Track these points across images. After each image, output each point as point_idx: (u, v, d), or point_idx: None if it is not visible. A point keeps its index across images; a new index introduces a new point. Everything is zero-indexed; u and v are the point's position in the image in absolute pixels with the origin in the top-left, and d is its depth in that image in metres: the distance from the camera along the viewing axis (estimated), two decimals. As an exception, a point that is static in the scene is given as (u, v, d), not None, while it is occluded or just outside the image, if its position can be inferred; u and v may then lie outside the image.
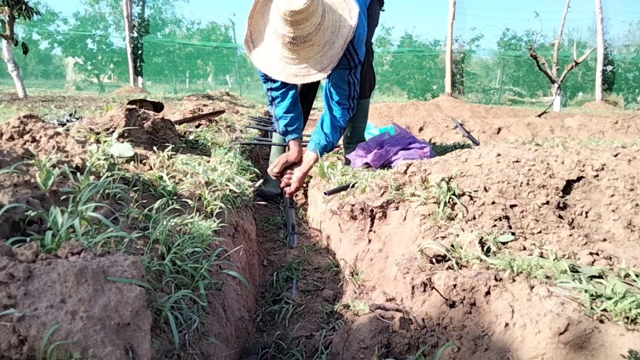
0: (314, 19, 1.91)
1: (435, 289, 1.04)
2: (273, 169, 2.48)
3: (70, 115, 3.38)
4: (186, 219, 1.29)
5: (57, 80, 26.03)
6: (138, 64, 16.38)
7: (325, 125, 2.43)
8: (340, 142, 3.06)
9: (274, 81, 2.37)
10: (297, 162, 2.49)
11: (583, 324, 0.79)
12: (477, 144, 4.12)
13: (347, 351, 1.05)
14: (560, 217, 1.28)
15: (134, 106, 2.33)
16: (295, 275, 1.76)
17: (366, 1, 2.46)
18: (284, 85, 2.41)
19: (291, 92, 2.46)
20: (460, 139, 4.63)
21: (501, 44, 21.98)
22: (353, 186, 1.91)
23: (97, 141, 1.70)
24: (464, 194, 1.38)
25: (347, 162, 2.72)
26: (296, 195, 2.95)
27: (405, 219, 1.48)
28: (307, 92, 2.82)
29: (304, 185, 2.93)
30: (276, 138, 2.97)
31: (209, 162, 2.12)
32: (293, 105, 2.50)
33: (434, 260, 1.15)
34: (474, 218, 1.31)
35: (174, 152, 2.06)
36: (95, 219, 0.96)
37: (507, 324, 0.87)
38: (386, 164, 2.43)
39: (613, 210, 1.26)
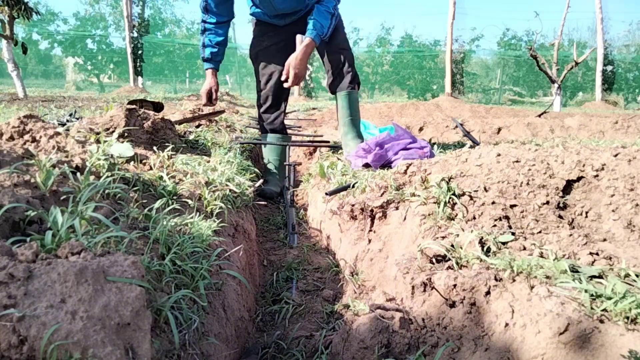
0: None
1: (435, 289, 1.04)
2: (202, 102, 2.77)
3: (70, 115, 3.38)
4: (186, 219, 1.29)
5: (57, 80, 26.02)
6: (138, 64, 16.37)
7: (313, 13, 2.52)
8: (339, 138, 3.07)
9: (212, 16, 2.66)
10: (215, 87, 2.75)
11: (583, 324, 0.79)
12: (477, 143, 4.12)
13: (347, 351, 1.05)
14: (560, 217, 1.28)
15: (134, 106, 2.33)
16: (295, 275, 1.76)
17: None
18: (219, 23, 2.69)
19: (224, 29, 2.74)
20: (460, 139, 4.63)
21: (501, 44, 21.97)
22: (353, 186, 1.91)
23: (97, 141, 1.70)
24: (464, 194, 1.38)
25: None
26: (296, 195, 2.95)
27: (405, 219, 1.48)
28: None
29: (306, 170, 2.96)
30: (271, 138, 2.98)
31: (209, 162, 2.12)
32: (224, 40, 2.76)
33: (434, 260, 1.15)
34: (474, 218, 1.31)
35: (174, 152, 2.06)
36: (95, 219, 0.96)
37: (507, 324, 0.87)
38: (386, 164, 2.42)
39: (613, 210, 1.26)
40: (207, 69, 2.79)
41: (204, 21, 2.69)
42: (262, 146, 3.03)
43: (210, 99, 2.76)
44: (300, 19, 2.71)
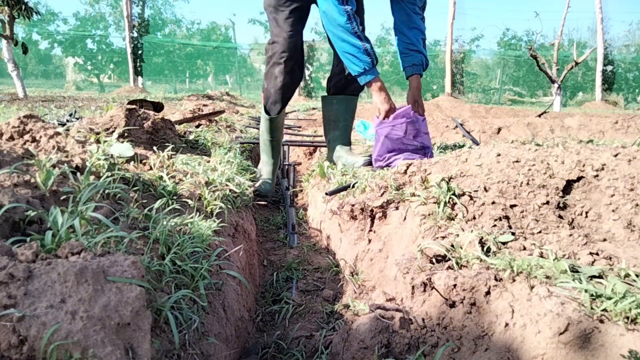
0: None
1: (435, 289, 1.04)
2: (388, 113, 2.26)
3: (70, 115, 3.38)
4: (186, 219, 1.29)
5: (57, 80, 26.02)
6: (138, 64, 16.38)
7: (413, 40, 2.29)
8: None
9: (353, 1, 2.09)
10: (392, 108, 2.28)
11: (583, 324, 0.79)
12: (477, 143, 4.12)
13: (347, 351, 1.05)
14: (560, 217, 1.28)
15: (134, 106, 2.33)
16: (295, 275, 1.76)
17: None
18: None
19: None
20: (460, 139, 4.63)
21: (501, 44, 21.99)
22: (353, 186, 1.91)
23: (97, 141, 1.70)
24: (464, 194, 1.38)
25: (331, 161, 2.61)
26: (296, 195, 2.95)
27: (405, 219, 1.48)
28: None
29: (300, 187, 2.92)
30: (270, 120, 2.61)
31: (209, 162, 2.12)
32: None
33: (434, 260, 1.15)
34: (474, 218, 1.31)
35: (174, 152, 2.06)
36: (95, 219, 0.96)
37: (507, 324, 0.87)
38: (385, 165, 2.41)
39: (613, 210, 1.26)
40: (377, 79, 2.18)
41: (347, 13, 2.05)
42: (262, 121, 2.66)
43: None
44: None
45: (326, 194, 2.02)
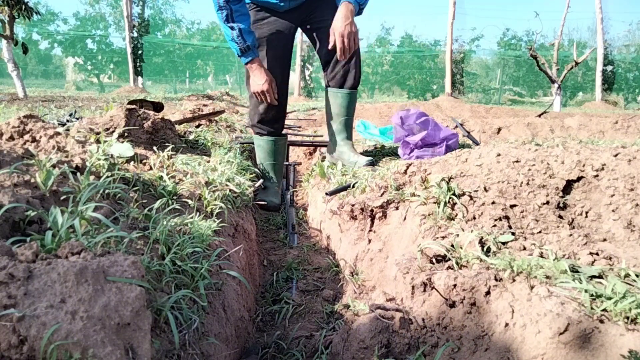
0: None
1: (435, 289, 1.04)
2: (271, 96, 2.36)
3: (70, 115, 3.38)
4: (186, 219, 1.29)
5: (57, 80, 26.03)
6: (138, 64, 16.37)
7: None
8: (327, 137, 2.84)
9: None
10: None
11: (583, 324, 0.79)
12: (477, 143, 4.12)
13: (347, 351, 1.05)
14: (560, 217, 1.28)
15: (134, 106, 2.33)
16: (295, 275, 1.76)
17: None
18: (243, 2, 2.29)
19: (247, 9, 2.34)
20: (461, 138, 4.63)
21: (501, 44, 21.98)
22: (353, 186, 1.90)
23: (97, 141, 1.70)
24: (464, 194, 1.38)
25: (332, 154, 2.62)
26: (297, 196, 2.95)
27: (405, 219, 1.48)
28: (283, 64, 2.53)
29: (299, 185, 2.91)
30: (264, 141, 2.63)
31: (209, 162, 2.12)
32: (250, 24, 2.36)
33: (434, 260, 1.15)
34: (474, 218, 1.31)
35: (174, 152, 2.06)
36: (95, 219, 0.96)
37: (507, 324, 0.87)
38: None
39: (613, 210, 1.26)
40: (252, 60, 2.33)
41: (226, 2, 2.25)
42: (257, 148, 2.69)
43: (273, 94, 2.39)
44: (304, 4, 2.44)
45: (326, 194, 2.02)
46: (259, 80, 2.34)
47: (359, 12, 2.28)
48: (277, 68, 2.46)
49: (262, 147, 2.64)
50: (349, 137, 2.62)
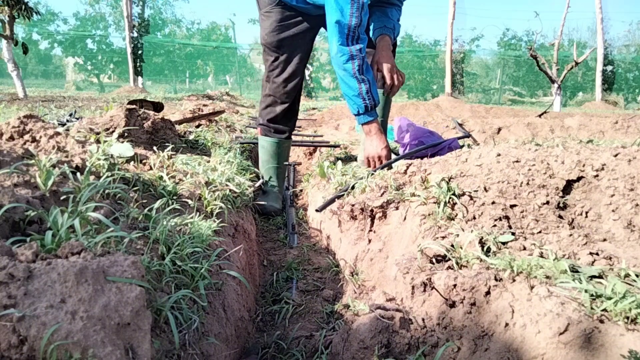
0: None
1: (435, 289, 1.04)
2: (383, 162, 2.12)
3: (70, 115, 3.38)
4: (186, 219, 1.29)
5: (57, 80, 26.03)
6: (138, 64, 16.38)
7: (393, 12, 2.23)
8: (340, 139, 2.93)
9: (364, 38, 2.02)
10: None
11: (583, 324, 0.79)
12: (467, 136, 4.18)
13: (347, 351, 1.05)
14: (560, 217, 1.28)
15: (134, 106, 2.33)
16: (295, 275, 1.76)
17: None
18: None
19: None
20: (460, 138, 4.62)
21: (501, 44, 21.99)
22: (339, 197, 1.86)
23: (97, 141, 1.70)
24: (464, 194, 1.38)
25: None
26: (296, 195, 2.95)
27: (405, 219, 1.48)
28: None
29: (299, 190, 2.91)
30: (268, 143, 2.57)
31: (209, 162, 2.12)
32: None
33: (434, 260, 1.15)
34: (474, 218, 1.31)
35: (174, 152, 2.06)
36: (95, 219, 0.96)
37: (507, 324, 0.87)
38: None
39: (613, 210, 1.26)
40: (374, 120, 2.12)
41: (350, 54, 2.00)
42: (261, 149, 2.62)
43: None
44: None
45: (316, 210, 1.98)
46: (380, 144, 2.13)
47: (393, 45, 2.24)
48: (301, 69, 2.41)
49: (265, 149, 2.58)
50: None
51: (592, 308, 0.82)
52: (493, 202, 1.31)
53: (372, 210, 1.65)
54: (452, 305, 1.00)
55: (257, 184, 2.40)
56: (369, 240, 1.66)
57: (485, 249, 1.11)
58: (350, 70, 2.03)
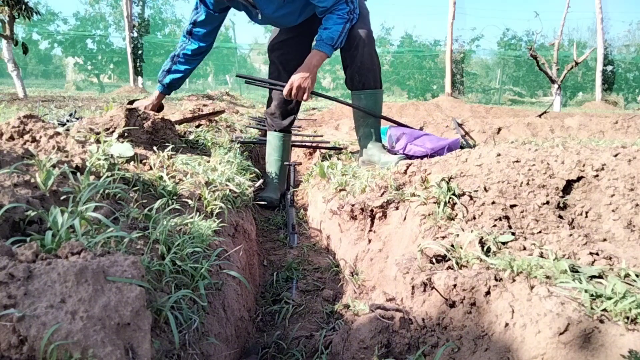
0: None
1: (435, 289, 1.04)
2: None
3: (70, 115, 3.38)
4: (186, 219, 1.29)
5: (57, 80, 26.01)
6: (138, 64, 16.37)
7: (323, 22, 2.31)
8: (339, 140, 3.01)
9: (195, 42, 2.51)
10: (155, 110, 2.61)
11: (583, 324, 0.79)
12: (459, 125, 4.21)
13: (347, 351, 1.05)
14: (560, 217, 1.28)
15: (134, 106, 2.33)
16: (295, 275, 1.76)
17: None
18: (199, 52, 2.53)
19: (199, 59, 2.61)
20: (461, 138, 4.62)
21: (501, 44, 21.97)
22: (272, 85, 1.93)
23: (97, 141, 1.70)
24: (464, 194, 1.38)
25: (362, 159, 2.58)
26: (297, 196, 2.95)
27: (405, 219, 1.48)
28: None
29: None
30: (274, 137, 2.81)
31: (209, 162, 2.12)
32: (192, 69, 2.61)
33: (434, 260, 1.15)
34: (474, 218, 1.31)
35: (174, 152, 2.06)
36: (95, 219, 0.96)
37: (507, 324, 0.87)
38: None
39: (613, 210, 1.26)
40: (158, 91, 2.66)
41: (181, 47, 2.56)
42: (267, 144, 2.85)
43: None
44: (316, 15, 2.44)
45: (237, 75, 2.23)
46: (310, 79, 2.31)
47: (335, 45, 2.33)
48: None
49: (269, 142, 2.80)
50: (378, 139, 2.59)
51: (592, 308, 0.82)
52: (493, 202, 1.31)
53: (372, 210, 1.65)
54: (452, 305, 1.00)
55: (257, 184, 2.40)
56: (369, 240, 1.66)
57: (485, 249, 1.11)
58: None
